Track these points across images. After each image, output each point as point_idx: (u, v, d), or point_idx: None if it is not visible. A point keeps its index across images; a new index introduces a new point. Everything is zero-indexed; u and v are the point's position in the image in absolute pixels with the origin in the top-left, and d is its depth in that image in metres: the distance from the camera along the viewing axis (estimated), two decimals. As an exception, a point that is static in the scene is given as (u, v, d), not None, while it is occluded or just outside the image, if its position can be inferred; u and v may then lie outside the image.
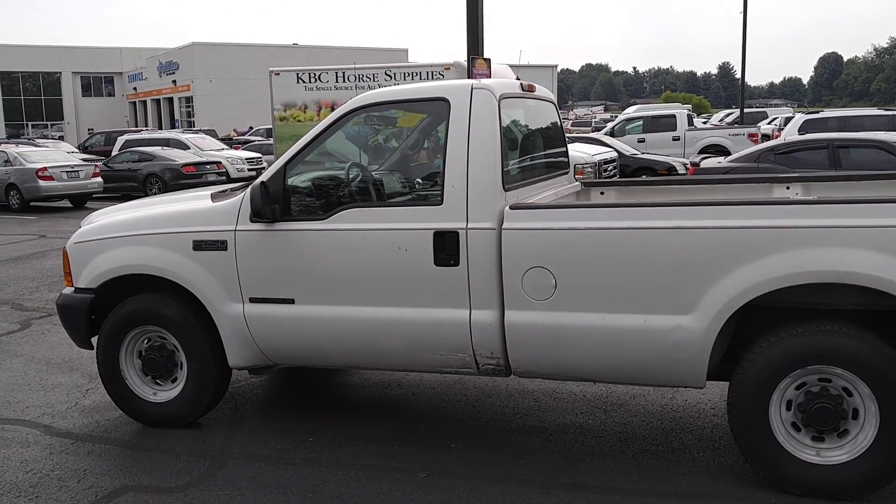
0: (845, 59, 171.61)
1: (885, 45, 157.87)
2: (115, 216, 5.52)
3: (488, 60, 15.48)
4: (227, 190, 5.65)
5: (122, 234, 5.20)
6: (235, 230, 4.85)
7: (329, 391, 6.04)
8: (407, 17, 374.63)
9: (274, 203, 4.71)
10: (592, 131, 30.27)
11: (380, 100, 4.83)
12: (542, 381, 5.87)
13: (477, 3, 14.89)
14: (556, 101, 5.92)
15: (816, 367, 3.92)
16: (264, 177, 4.78)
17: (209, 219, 4.97)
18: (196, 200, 5.40)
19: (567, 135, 6.42)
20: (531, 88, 5.26)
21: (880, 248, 3.73)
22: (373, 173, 5.15)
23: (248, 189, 4.81)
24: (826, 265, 3.79)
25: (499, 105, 4.49)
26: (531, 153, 5.46)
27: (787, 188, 5.64)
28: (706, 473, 4.38)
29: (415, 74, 17.42)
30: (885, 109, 23.91)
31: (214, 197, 5.28)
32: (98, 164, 22.57)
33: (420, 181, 5.05)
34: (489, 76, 14.55)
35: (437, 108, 4.65)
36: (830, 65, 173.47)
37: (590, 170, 15.02)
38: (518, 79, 5.63)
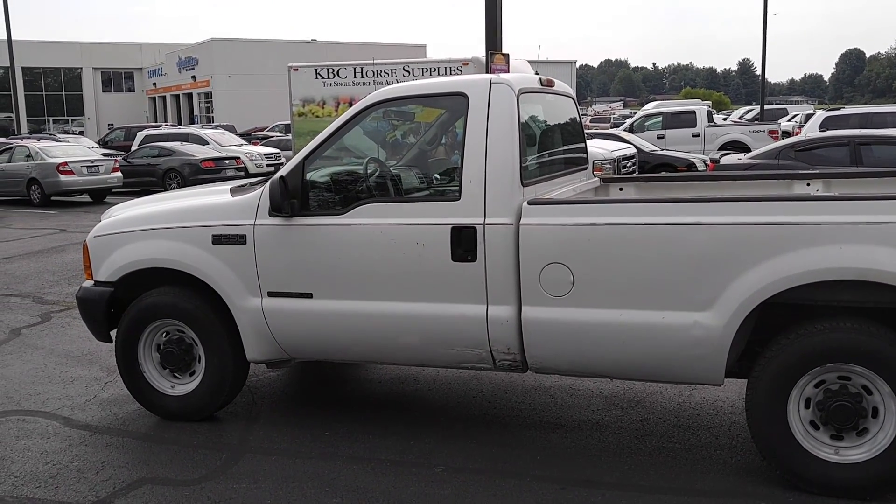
0: (868, 56, 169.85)
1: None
2: (134, 210, 5.55)
3: (507, 56, 15.47)
4: (245, 184, 5.67)
5: (142, 228, 5.23)
6: (254, 224, 4.87)
7: (345, 386, 6.05)
8: (425, 13, 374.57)
9: (293, 198, 4.72)
10: (611, 127, 30.10)
11: (398, 95, 4.83)
12: (558, 378, 5.86)
13: (496, -1, 14.90)
14: (574, 97, 5.90)
15: (836, 365, 3.89)
16: (283, 171, 4.80)
17: (228, 213, 4.99)
18: (215, 195, 5.42)
19: (586, 131, 6.40)
20: (550, 83, 5.24)
21: (902, 246, 3.69)
22: (391, 169, 5.15)
23: (268, 184, 4.82)
24: (847, 262, 3.76)
25: (517, 100, 4.48)
26: (549, 148, 5.45)
27: (808, 185, 5.60)
28: (723, 471, 4.36)
29: (433, 70, 17.39)
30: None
31: (233, 191, 5.30)
32: (118, 159, 22.77)
33: (438, 176, 5.04)
34: (508, 71, 14.53)
35: (456, 103, 4.64)
36: (852, 61, 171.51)
37: (608, 166, 14.95)
38: (537, 73, 5.61)
